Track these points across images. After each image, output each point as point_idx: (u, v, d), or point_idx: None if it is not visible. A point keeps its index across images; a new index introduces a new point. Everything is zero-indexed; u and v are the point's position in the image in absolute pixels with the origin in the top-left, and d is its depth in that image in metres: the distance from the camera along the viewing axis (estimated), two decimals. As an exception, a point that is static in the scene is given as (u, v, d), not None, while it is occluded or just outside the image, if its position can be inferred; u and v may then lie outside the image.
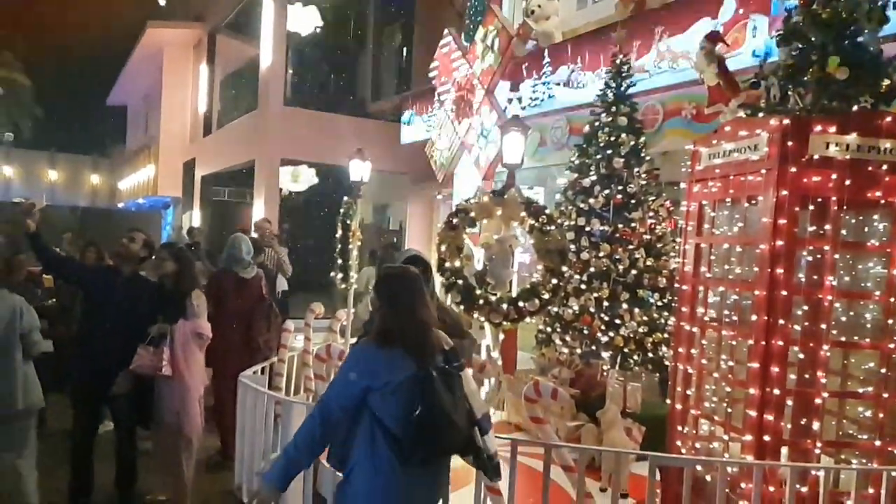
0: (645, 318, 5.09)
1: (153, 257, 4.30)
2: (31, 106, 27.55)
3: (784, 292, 2.93)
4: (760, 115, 3.35)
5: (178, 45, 17.42)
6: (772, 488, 2.87)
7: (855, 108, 3.09)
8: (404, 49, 13.05)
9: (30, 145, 27.94)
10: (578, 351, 5.22)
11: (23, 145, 27.67)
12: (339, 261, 6.32)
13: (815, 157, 2.93)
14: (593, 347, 5.12)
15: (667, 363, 4.91)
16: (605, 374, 5.13)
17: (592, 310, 5.13)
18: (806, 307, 3.03)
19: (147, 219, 17.17)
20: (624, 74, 5.51)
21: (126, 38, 18.34)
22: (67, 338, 4.99)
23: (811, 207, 3.06)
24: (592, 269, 5.20)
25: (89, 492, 4.09)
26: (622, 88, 5.50)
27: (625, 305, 5.09)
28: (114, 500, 4.13)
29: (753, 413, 2.95)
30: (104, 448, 4.25)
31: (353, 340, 5.38)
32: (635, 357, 5.05)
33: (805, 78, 3.22)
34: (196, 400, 4.08)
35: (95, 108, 26.59)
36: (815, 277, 3.04)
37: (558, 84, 7.18)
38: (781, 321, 2.93)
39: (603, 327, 5.08)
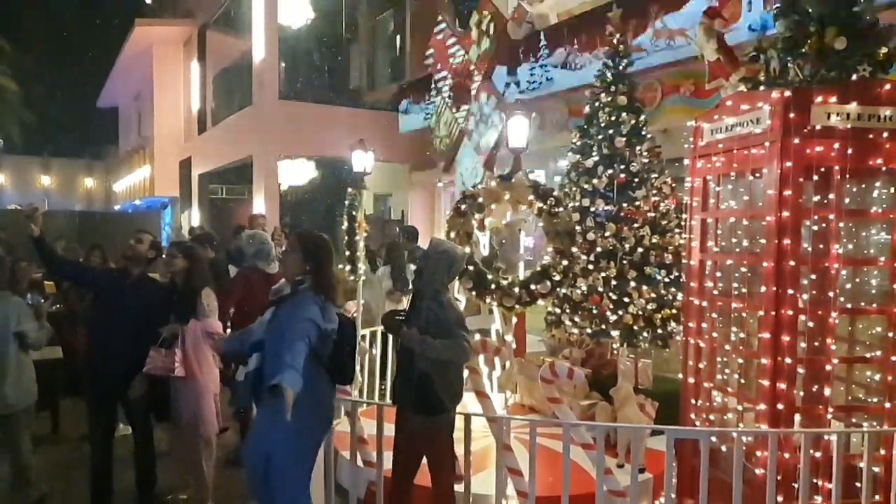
0: (653, 295, 5.13)
1: (163, 256, 4.34)
2: (20, 111, 27.37)
3: (791, 262, 2.97)
4: (761, 88, 3.37)
5: (168, 43, 17.26)
6: (787, 455, 2.94)
7: (854, 77, 3.12)
8: (398, 37, 12.96)
9: (21, 151, 27.73)
10: (588, 331, 5.27)
11: (14, 151, 27.45)
12: (347, 252, 6.34)
13: (817, 127, 2.95)
14: (603, 327, 5.17)
15: (677, 338, 4.97)
16: (615, 352, 5.19)
17: (601, 289, 5.17)
18: (813, 276, 3.07)
19: (146, 220, 17.15)
20: (621, 54, 5.51)
21: (114, 38, 18.21)
22: (76, 342, 5.02)
23: (815, 177, 3.10)
24: (599, 249, 5.22)
25: (110, 495, 4.08)
26: (620, 68, 5.49)
27: (632, 283, 5.12)
28: (135, 503, 4.14)
29: (766, 382, 3.00)
30: (121, 450, 4.26)
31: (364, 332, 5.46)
32: (645, 334, 5.11)
33: (804, 49, 3.25)
34: (211, 398, 4.10)
35: (86, 111, 26.38)
36: (821, 246, 3.08)
37: (556, 66, 7.19)
38: (790, 291, 2.97)
39: (612, 306, 5.13)
